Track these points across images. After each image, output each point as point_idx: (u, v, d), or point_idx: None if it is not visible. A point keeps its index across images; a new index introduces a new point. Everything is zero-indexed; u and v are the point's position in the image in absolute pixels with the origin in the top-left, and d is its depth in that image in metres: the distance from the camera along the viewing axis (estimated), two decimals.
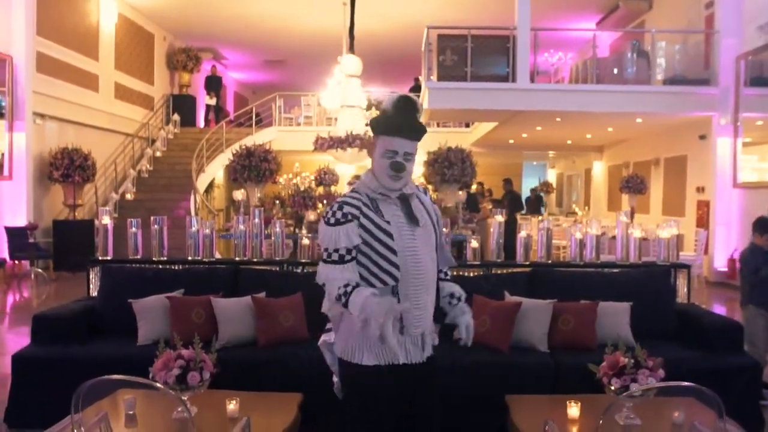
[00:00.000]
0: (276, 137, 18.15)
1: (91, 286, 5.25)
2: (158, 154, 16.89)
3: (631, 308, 4.51)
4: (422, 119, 2.63)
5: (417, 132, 2.53)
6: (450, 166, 10.16)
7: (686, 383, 2.58)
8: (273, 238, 5.78)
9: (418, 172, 11.52)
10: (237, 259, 5.58)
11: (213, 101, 19.88)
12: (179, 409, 3.13)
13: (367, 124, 14.07)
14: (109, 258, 5.37)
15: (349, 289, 2.40)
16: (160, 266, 5.22)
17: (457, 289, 2.70)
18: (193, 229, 5.49)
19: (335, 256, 2.46)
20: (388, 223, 2.48)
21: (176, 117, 18.26)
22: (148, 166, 16.25)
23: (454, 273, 4.17)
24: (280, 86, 22.48)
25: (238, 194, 11.14)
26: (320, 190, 12.08)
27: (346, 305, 2.41)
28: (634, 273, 5.03)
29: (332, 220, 2.48)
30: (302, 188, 11.09)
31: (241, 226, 5.63)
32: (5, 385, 4.59)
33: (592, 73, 12.02)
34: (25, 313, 8.37)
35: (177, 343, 3.29)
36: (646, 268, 5.20)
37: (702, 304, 8.10)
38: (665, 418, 3.23)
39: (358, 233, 2.46)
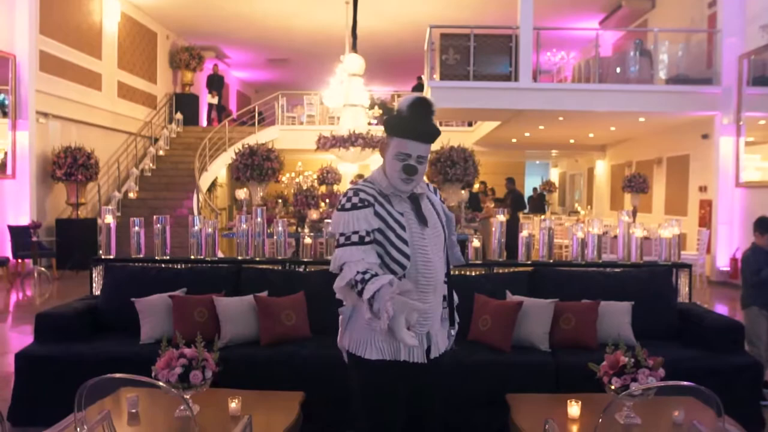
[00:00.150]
0: (279, 136, 18.18)
1: (93, 284, 5.27)
2: (161, 152, 16.91)
3: (632, 308, 4.52)
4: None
5: (431, 135, 2.50)
6: (452, 165, 10.15)
7: (685, 383, 2.58)
8: (275, 237, 5.79)
9: None
10: (239, 258, 5.59)
11: (215, 100, 19.92)
12: (181, 407, 3.15)
13: (369, 123, 14.11)
14: (111, 257, 5.39)
15: (367, 276, 2.28)
16: (163, 265, 5.24)
17: (446, 292, 2.66)
18: (196, 228, 5.51)
19: (355, 238, 2.40)
20: (401, 214, 2.47)
21: (179, 116, 18.28)
22: (151, 164, 16.28)
23: (457, 273, 4.19)
24: (283, 85, 22.53)
25: (241, 193, 11.17)
26: (323, 189, 12.10)
27: (360, 293, 2.29)
28: (635, 272, 5.03)
29: (348, 205, 2.43)
30: (305, 187, 11.10)
31: (244, 225, 5.65)
32: (8, 384, 4.63)
33: (595, 72, 12.03)
34: (28, 311, 8.40)
35: (179, 342, 3.30)
36: (648, 267, 5.20)
37: (704, 303, 8.09)
38: (665, 417, 3.24)
39: (374, 219, 2.43)
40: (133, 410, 3.21)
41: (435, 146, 11.15)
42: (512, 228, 9.19)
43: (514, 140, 17.92)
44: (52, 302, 8.60)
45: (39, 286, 10.56)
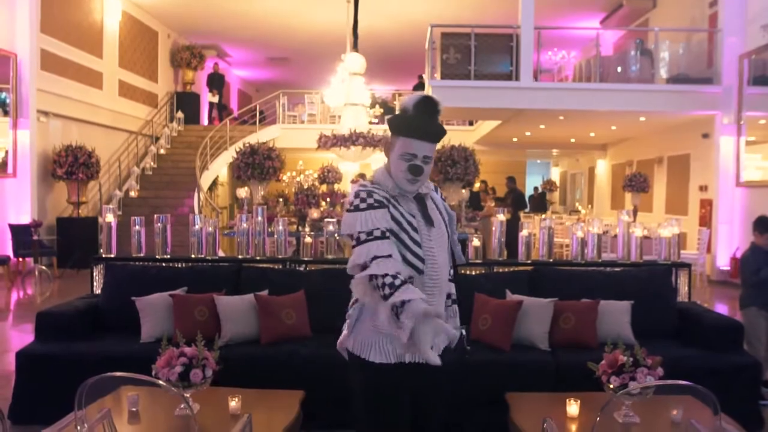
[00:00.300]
0: (279, 135, 18.19)
1: (94, 283, 5.29)
2: (162, 151, 16.93)
3: (631, 307, 4.53)
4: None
5: (437, 134, 2.45)
6: (453, 165, 10.15)
7: (682, 381, 2.59)
8: (276, 236, 5.80)
9: None
10: (240, 257, 5.60)
11: (215, 99, 19.94)
12: (182, 406, 3.16)
13: (370, 122, 14.11)
14: (112, 255, 5.40)
15: (397, 282, 2.19)
16: (164, 264, 5.25)
17: (454, 291, 2.65)
18: (197, 226, 5.52)
19: (377, 233, 2.32)
20: (413, 216, 2.44)
21: (180, 114, 18.30)
22: (152, 163, 16.29)
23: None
24: (284, 84, 22.52)
25: (242, 192, 11.18)
26: (323, 188, 12.10)
27: (386, 297, 2.19)
28: (635, 272, 5.04)
29: (364, 205, 2.36)
30: (306, 186, 11.11)
31: (244, 224, 5.66)
32: (9, 382, 4.64)
33: (596, 71, 12.04)
34: (28, 310, 8.42)
35: (180, 341, 3.31)
36: (647, 267, 5.21)
37: (704, 302, 8.11)
38: (663, 416, 3.25)
39: (389, 220, 2.38)
40: (134, 409, 3.22)
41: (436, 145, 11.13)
42: (513, 227, 9.20)
43: (514, 139, 17.92)
44: (53, 301, 8.61)
45: (40, 284, 10.57)
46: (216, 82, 19.90)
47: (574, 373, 3.93)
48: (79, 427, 2.59)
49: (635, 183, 12.88)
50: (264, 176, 10.52)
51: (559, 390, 3.88)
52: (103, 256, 5.37)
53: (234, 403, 3.28)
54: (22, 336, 6.92)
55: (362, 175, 12.98)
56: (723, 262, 11.48)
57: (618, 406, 3.18)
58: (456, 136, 12.39)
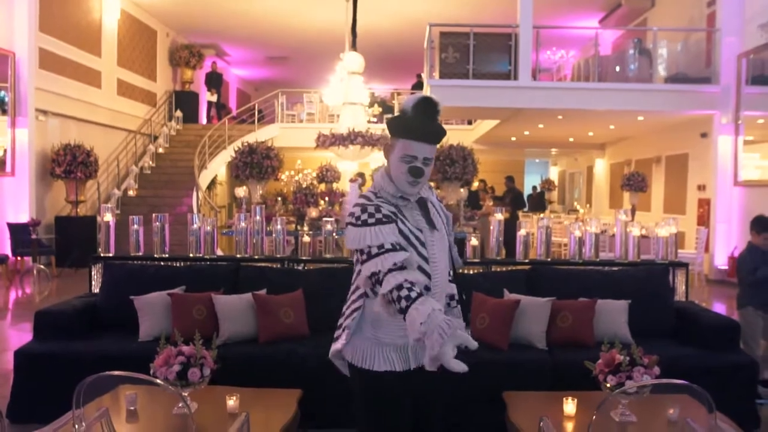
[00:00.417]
0: (278, 134, 18.18)
1: (92, 282, 5.29)
2: (161, 150, 16.92)
3: (629, 306, 4.54)
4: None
5: (437, 135, 2.41)
6: (452, 164, 10.17)
7: (677, 380, 2.60)
8: (274, 235, 5.81)
9: None
10: (238, 256, 5.61)
11: (214, 98, 19.94)
12: (179, 404, 3.16)
13: (369, 121, 14.11)
14: (111, 254, 5.40)
15: (413, 294, 2.14)
16: (162, 263, 5.26)
17: (455, 291, 2.65)
18: (195, 226, 5.52)
19: (387, 245, 2.26)
20: (421, 231, 2.40)
21: (179, 113, 18.29)
22: (150, 162, 16.29)
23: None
24: (283, 83, 22.51)
25: (241, 191, 11.17)
26: (322, 187, 12.11)
27: (403, 309, 2.14)
28: (632, 271, 5.05)
29: (372, 220, 2.30)
30: (304, 185, 11.11)
31: (243, 223, 5.66)
32: (7, 381, 4.64)
33: (594, 71, 12.05)
34: (27, 309, 8.41)
35: (178, 340, 3.32)
36: (645, 266, 5.22)
37: (702, 302, 8.13)
38: (660, 415, 3.26)
39: (398, 235, 2.33)
40: (132, 407, 3.23)
41: None
42: (512, 226, 9.20)
43: (513, 138, 17.93)
44: (51, 300, 8.61)
45: (38, 283, 10.58)
46: (214, 81, 19.90)
47: (571, 372, 3.93)
48: (77, 426, 2.59)
49: (633, 182, 12.90)
50: (262, 175, 10.53)
51: (556, 389, 3.89)
52: (102, 255, 5.38)
53: (232, 402, 3.29)
54: (21, 335, 6.92)
55: (361, 174, 12.98)
56: (721, 262, 11.50)
57: (615, 405, 3.19)
58: (454, 135, 12.41)
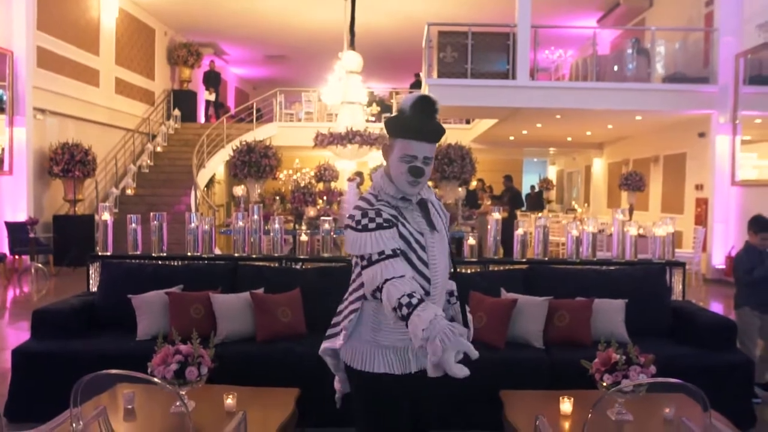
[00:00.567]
0: (276, 133, 18.17)
1: (90, 281, 5.29)
2: (159, 149, 16.91)
3: (626, 305, 4.55)
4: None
5: (436, 134, 2.38)
6: (450, 163, 10.18)
7: (672, 379, 2.61)
8: (272, 234, 5.81)
9: None
10: (236, 255, 5.62)
11: (212, 97, 19.93)
12: (177, 403, 3.16)
13: (367, 120, 14.11)
14: (108, 253, 5.41)
15: (414, 300, 2.12)
16: (160, 262, 5.26)
17: (455, 288, 2.64)
18: (193, 225, 5.53)
19: (388, 251, 2.25)
20: (422, 234, 2.38)
21: (177, 112, 18.28)
22: (148, 161, 16.28)
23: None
24: (281, 82, 22.49)
25: (239, 190, 11.17)
26: (320, 186, 12.11)
27: (405, 317, 2.13)
28: (629, 270, 5.06)
29: (372, 225, 2.28)
30: (302, 184, 11.10)
31: (241, 222, 5.67)
32: (5, 380, 4.64)
33: (593, 70, 12.06)
34: (25, 307, 8.42)
35: (175, 339, 3.33)
36: (642, 265, 5.23)
37: (699, 301, 8.15)
38: (656, 413, 3.27)
39: (399, 239, 2.32)
40: (129, 406, 3.23)
41: None
42: (510, 225, 9.20)
43: (511, 138, 17.93)
44: (49, 299, 8.60)
45: (36, 282, 10.57)
46: (212, 79, 19.88)
47: (568, 371, 3.94)
48: (74, 425, 2.60)
49: (631, 182, 12.93)
50: (260, 174, 10.53)
51: (553, 387, 3.89)
52: (100, 253, 5.38)
53: (229, 401, 3.29)
54: (18, 333, 6.92)
55: (359, 173, 12.97)
56: (718, 261, 11.52)
57: (611, 404, 3.21)
58: (453, 134, 12.43)
